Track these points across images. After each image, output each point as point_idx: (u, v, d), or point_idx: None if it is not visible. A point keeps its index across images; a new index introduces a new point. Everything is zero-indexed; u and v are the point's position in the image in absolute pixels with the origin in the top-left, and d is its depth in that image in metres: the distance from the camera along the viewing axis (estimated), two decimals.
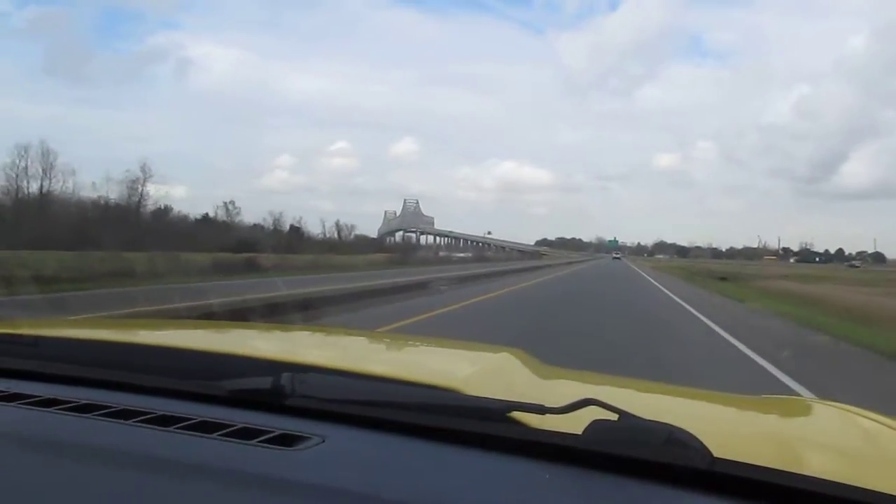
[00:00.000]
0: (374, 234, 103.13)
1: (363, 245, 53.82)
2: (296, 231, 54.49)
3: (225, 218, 51.67)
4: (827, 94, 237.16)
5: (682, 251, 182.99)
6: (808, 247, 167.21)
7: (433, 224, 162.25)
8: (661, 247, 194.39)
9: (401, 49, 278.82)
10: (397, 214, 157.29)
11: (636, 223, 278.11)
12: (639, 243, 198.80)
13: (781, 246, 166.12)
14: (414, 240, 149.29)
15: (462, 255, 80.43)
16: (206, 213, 50.55)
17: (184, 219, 46.51)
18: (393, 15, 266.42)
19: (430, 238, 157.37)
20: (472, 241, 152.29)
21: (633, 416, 0.75)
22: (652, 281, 32.82)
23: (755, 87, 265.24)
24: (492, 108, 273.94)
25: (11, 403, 0.92)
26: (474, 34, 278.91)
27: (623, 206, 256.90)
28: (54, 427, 0.84)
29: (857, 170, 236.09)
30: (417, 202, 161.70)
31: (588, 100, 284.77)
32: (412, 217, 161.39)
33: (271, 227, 52.15)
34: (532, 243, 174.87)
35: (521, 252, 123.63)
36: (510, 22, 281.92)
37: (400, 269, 32.74)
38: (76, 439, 0.81)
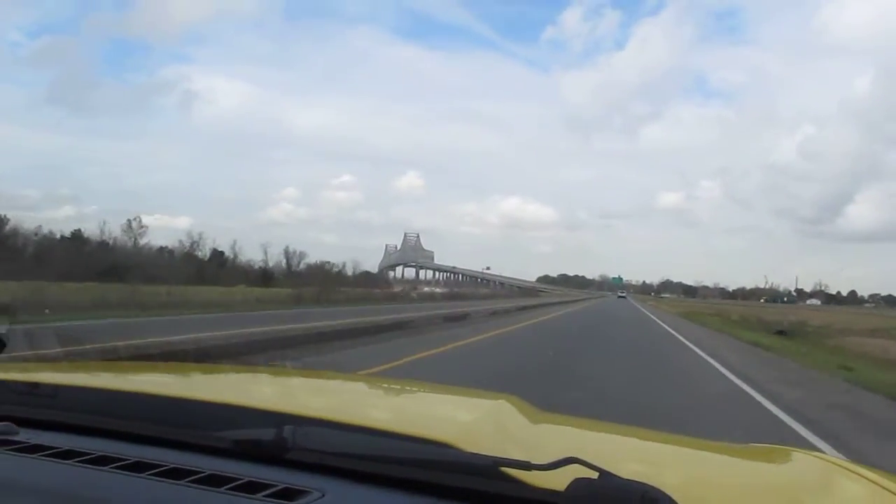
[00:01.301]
0: (375, 268, 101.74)
1: (304, 276, 43.33)
2: (219, 257, 43.77)
3: (127, 239, 41.08)
4: (832, 136, 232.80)
5: (689, 290, 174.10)
6: (823, 289, 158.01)
7: (433, 258, 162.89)
8: (667, 286, 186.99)
9: (406, 85, 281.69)
10: (398, 248, 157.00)
11: (640, 262, 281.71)
12: (644, 282, 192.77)
13: (795, 287, 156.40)
14: (413, 274, 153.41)
15: (431, 289, 69.61)
16: (78, 230, 40.82)
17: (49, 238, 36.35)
18: (399, 51, 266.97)
19: (430, 273, 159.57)
20: (470, 277, 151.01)
21: (612, 475, 0.79)
22: (683, 339, 20.24)
23: (760, 127, 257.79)
24: (496, 145, 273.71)
25: (33, 455, 0.96)
26: (480, 71, 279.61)
27: (627, 244, 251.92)
28: (72, 481, 0.90)
29: (861, 212, 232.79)
30: (418, 236, 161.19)
31: (592, 138, 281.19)
32: (412, 251, 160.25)
33: (185, 251, 41.54)
34: (534, 279, 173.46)
35: (520, 288, 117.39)
36: (516, 59, 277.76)
37: (298, 310, 22.29)
38: (95, 493, 0.87)
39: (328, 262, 52.68)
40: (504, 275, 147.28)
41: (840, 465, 1.19)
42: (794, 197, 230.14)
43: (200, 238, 45.39)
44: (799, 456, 1.33)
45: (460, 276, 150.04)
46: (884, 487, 1.05)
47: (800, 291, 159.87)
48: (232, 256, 46.96)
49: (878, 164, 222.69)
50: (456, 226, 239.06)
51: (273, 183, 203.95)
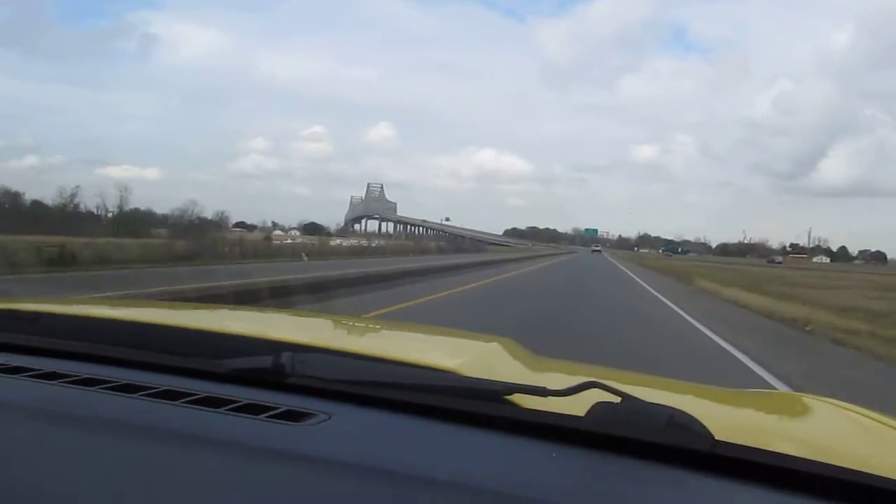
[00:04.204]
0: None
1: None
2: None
3: None
4: (808, 91, 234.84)
5: (671, 246, 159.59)
6: (821, 244, 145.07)
7: (395, 210, 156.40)
8: (645, 240, 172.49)
9: (381, 34, 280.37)
10: (363, 200, 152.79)
11: (616, 216, 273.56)
12: (620, 236, 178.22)
13: (771, 241, 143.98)
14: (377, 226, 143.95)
15: (350, 242, 53.05)
16: None
17: None
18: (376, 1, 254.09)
19: (391, 225, 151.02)
20: (430, 229, 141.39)
21: (636, 398, 0.75)
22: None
23: (737, 81, 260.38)
24: (472, 97, 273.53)
25: (14, 376, 0.92)
26: (456, 20, 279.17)
27: (603, 198, 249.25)
28: (59, 399, 0.84)
29: (837, 167, 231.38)
30: (381, 187, 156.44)
31: (569, 90, 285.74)
32: (375, 203, 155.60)
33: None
34: (500, 233, 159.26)
35: (479, 241, 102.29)
36: (493, 8, 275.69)
37: None
38: (81, 411, 0.81)
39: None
40: (466, 227, 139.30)
41: (852, 409, 1.13)
42: (769, 151, 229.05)
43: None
44: (809, 400, 1.28)
45: (419, 228, 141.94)
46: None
47: (794, 246, 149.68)
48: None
49: (853, 120, 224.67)
50: (429, 178, 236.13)
51: (243, 134, 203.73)
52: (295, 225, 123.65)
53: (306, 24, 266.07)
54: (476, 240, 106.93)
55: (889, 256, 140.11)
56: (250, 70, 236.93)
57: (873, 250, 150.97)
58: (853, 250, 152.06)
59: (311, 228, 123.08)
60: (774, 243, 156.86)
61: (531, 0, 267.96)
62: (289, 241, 57.85)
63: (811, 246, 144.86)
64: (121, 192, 40.94)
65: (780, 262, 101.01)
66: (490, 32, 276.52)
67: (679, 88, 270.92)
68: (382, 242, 61.28)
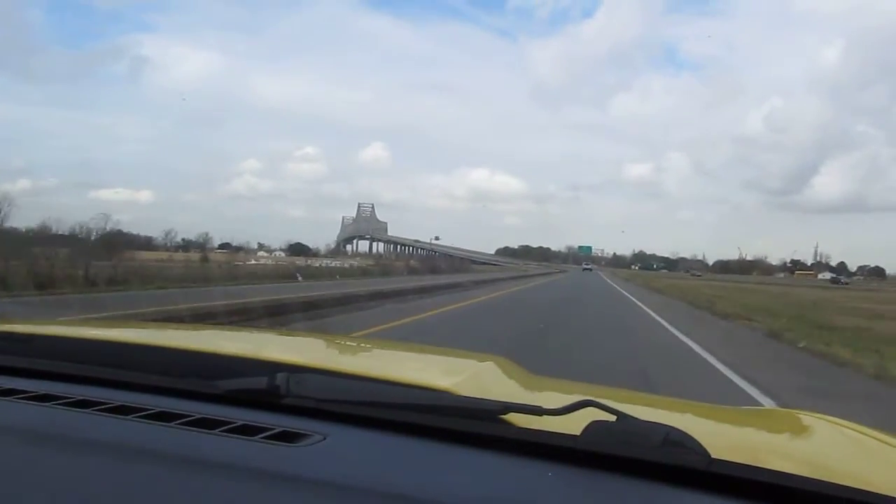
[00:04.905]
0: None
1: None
2: None
3: None
4: (800, 107, 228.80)
5: (669, 264, 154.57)
6: (825, 261, 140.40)
7: (386, 230, 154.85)
8: (641, 258, 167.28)
9: (373, 55, 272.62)
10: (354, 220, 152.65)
11: (611, 234, 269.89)
12: (615, 254, 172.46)
13: (771, 258, 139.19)
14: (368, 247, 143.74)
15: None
16: None
17: None
18: (366, 20, 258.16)
19: (381, 245, 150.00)
20: (421, 249, 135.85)
21: (632, 417, 0.76)
22: None
23: (729, 98, 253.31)
24: (465, 117, 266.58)
25: (6, 398, 0.91)
26: (448, 40, 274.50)
27: (597, 216, 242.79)
28: (52, 421, 0.84)
29: (831, 183, 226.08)
30: (373, 207, 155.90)
31: (561, 109, 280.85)
32: (365, 222, 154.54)
33: None
34: (492, 252, 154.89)
35: (467, 261, 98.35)
36: (485, 28, 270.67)
37: None
38: (75, 433, 0.81)
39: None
40: (458, 246, 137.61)
41: (847, 426, 1.13)
42: (763, 168, 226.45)
43: None
44: (806, 417, 1.25)
45: (409, 248, 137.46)
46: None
47: (795, 262, 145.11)
48: None
49: (846, 136, 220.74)
50: (423, 199, 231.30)
51: (235, 155, 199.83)
52: (281, 246, 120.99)
53: (299, 46, 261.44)
54: (462, 258, 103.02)
55: (888, 272, 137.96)
56: (243, 91, 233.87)
57: (872, 266, 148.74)
58: (851, 266, 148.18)
59: (297, 249, 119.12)
60: (775, 259, 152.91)
61: (523, 20, 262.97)
62: (252, 261, 52.93)
63: (814, 262, 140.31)
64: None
65: (846, 283, 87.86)
66: (483, 52, 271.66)
67: (671, 106, 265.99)
68: (355, 263, 55.42)
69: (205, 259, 38.12)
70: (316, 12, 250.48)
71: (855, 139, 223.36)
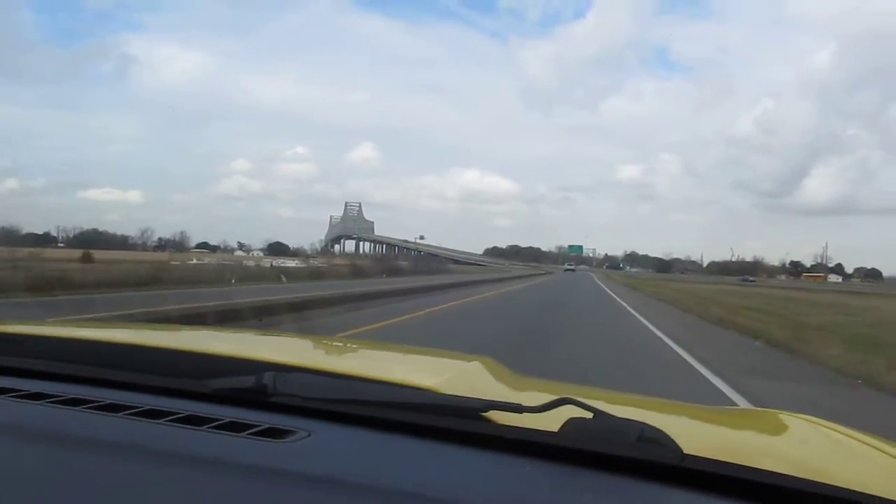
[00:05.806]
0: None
1: None
2: None
3: None
4: (790, 110, 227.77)
5: (662, 265, 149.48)
6: (824, 262, 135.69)
7: (373, 230, 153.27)
8: (633, 259, 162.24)
9: (364, 56, 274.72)
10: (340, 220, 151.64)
11: (602, 235, 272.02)
12: (606, 254, 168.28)
13: (768, 259, 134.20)
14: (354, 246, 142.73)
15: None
16: None
17: None
18: (357, 20, 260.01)
19: (367, 245, 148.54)
20: (405, 249, 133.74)
21: (608, 414, 0.78)
22: None
23: (721, 100, 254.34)
24: (457, 118, 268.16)
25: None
26: (440, 42, 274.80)
27: (588, 217, 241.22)
28: (42, 418, 0.86)
29: (822, 185, 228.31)
30: (360, 206, 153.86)
31: (553, 111, 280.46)
32: (352, 222, 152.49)
33: None
34: (480, 252, 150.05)
35: (446, 260, 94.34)
36: (477, 30, 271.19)
37: None
38: (66, 430, 0.83)
39: None
40: (445, 246, 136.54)
41: (825, 426, 1.15)
42: (755, 170, 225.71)
43: None
44: (785, 417, 1.26)
45: (395, 248, 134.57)
46: (879, 449, 1.02)
47: (795, 264, 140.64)
48: None
49: (836, 137, 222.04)
50: (414, 199, 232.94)
51: (225, 155, 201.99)
52: (261, 245, 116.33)
53: (290, 46, 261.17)
54: (444, 259, 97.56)
55: (885, 274, 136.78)
56: (234, 91, 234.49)
57: (868, 267, 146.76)
58: (847, 268, 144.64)
59: (276, 249, 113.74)
60: (773, 260, 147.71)
61: (515, 22, 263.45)
62: (205, 261, 47.55)
63: (815, 263, 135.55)
64: None
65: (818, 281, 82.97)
66: (475, 54, 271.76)
67: (662, 108, 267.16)
68: (319, 263, 49.37)
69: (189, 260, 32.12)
70: (307, 13, 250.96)
71: (845, 142, 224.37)
